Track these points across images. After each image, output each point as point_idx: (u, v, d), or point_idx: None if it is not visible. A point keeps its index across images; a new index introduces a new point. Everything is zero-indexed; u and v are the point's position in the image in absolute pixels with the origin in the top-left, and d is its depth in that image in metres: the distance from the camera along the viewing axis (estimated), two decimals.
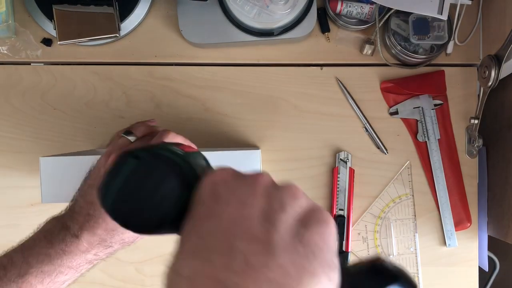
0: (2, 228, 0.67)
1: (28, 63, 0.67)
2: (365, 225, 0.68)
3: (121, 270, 0.67)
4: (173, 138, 0.49)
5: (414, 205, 0.68)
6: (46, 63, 0.68)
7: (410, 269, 0.68)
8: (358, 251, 0.68)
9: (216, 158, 0.53)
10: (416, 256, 0.68)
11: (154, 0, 0.67)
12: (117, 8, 0.64)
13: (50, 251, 0.44)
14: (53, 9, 0.63)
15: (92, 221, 0.45)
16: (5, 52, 0.66)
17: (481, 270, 0.70)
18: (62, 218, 0.47)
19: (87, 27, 0.64)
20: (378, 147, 0.68)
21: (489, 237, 0.69)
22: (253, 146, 0.67)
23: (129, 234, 0.46)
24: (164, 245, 0.67)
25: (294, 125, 0.68)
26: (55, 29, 0.63)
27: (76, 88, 0.67)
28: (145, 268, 0.67)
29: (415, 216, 0.68)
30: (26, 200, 0.67)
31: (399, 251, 0.68)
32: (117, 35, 0.65)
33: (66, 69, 0.67)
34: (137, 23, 0.66)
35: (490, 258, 0.78)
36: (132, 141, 0.50)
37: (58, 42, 0.63)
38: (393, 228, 0.68)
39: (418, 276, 0.68)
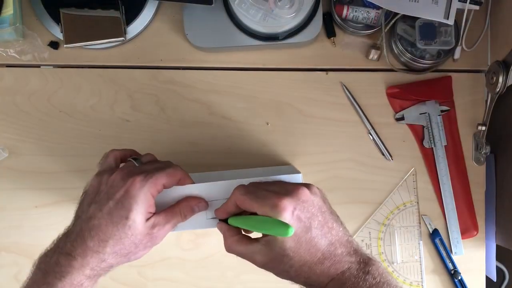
0: (6, 229, 0.67)
1: (35, 66, 0.68)
2: (369, 232, 0.67)
3: (124, 273, 0.66)
4: (174, 173, 0.49)
5: (419, 212, 0.67)
6: (53, 66, 0.68)
7: (414, 277, 0.67)
8: None
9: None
10: (421, 264, 0.67)
11: (160, 4, 0.67)
12: (124, 12, 0.65)
13: (48, 280, 0.45)
14: (60, 13, 0.64)
15: (83, 234, 0.46)
16: (13, 54, 0.66)
17: (489, 280, 0.68)
18: (54, 245, 0.48)
19: (93, 31, 0.64)
20: (383, 153, 0.67)
21: (498, 247, 0.68)
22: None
23: (121, 246, 0.46)
24: (167, 249, 0.67)
25: (299, 130, 0.68)
26: (62, 32, 0.64)
27: (82, 91, 0.68)
28: (147, 272, 0.67)
29: (420, 223, 0.67)
30: (30, 201, 0.67)
31: (403, 259, 0.67)
32: (123, 38, 0.65)
33: (72, 72, 0.68)
34: (143, 27, 0.67)
35: (498, 268, 0.76)
36: (137, 164, 0.51)
37: (65, 45, 0.64)
38: (397, 235, 0.67)
39: (422, 285, 0.67)
